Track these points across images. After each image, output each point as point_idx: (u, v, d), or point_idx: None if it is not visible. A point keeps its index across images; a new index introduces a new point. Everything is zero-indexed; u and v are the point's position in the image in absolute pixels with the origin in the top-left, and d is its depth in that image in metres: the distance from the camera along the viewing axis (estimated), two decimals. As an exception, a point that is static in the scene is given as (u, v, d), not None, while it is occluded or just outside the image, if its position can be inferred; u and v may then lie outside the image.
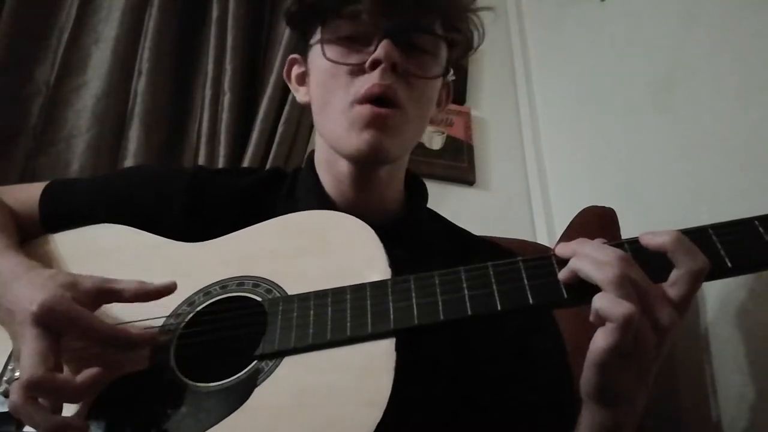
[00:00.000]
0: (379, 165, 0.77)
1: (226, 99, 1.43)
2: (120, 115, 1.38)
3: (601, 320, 0.52)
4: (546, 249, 1.36)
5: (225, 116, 1.41)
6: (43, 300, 0.57)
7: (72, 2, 1.42)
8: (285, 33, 1.51)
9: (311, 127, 1.53)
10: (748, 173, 1.07)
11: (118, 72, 1.39)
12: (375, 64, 0.72)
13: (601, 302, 0.51)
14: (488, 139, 1.87)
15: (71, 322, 0.58)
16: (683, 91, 1.29)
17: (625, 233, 1.19)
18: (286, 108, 1.45)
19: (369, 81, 0.71)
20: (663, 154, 1.32)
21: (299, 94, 0.85)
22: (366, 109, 0.71)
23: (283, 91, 1.47)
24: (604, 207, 1.27)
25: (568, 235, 1.30)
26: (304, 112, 1.49)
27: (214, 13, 1.50)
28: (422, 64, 0.76)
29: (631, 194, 1.40)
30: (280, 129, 1.44)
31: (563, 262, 0.57)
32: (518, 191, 1.82)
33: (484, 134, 1.87)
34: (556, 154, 1.80)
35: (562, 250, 0.57)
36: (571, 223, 1.31)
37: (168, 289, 0.64)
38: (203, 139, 1.40)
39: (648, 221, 1.31)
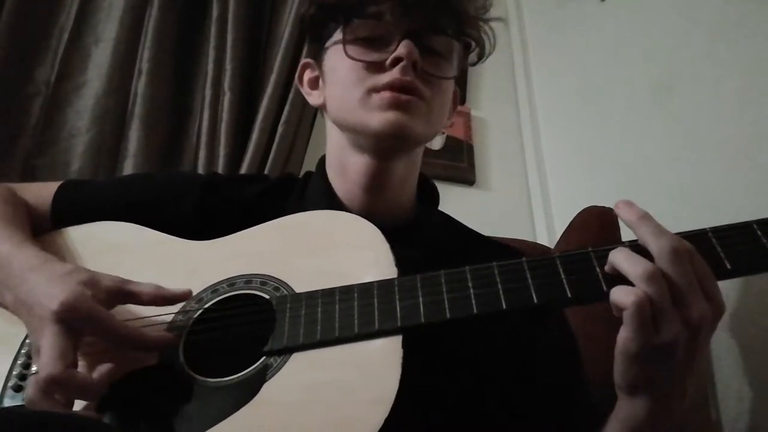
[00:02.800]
0: (402, 146, 0.79)
1: (226, 99, 1.42)
2: (120, 115, 1.38)
3: (620, 312, 0.53)
4: (546, 249, 1.36)
5: (225, 116, 1.41)
6: (65, 298, 0.57)
7: (72, 2, 1.42)
8: (285, 33, 1.51)
9: (311, 127, 1.53)
10: (748, 173, 1.07)
11: (118, 72, 1.39)
12: (396, 62, 0.74)
13: (614, 294, 0.53)
14: (488, 139, 1.87)
15: (92, 322, 0.59)
16: (683, 91, 1.29)
17: (625, 233, 1.19)
18: (286, 108, 1.45)
19: (390, 75, 0.74)
20: (663, 154, 1.32)
21: (312, 97, 0.86)
22: (386, 94, 0.74)
23: (283, 91, 1.47)
24: (604, 207, 1.27)
25: (568, 235, 1.30)
26: (304, 111, 1.49)
27: (215, 13, 1.49)
28: (438, 65, 0.79)
29: (631, 194, 1.39)
30: (280, 129, 1.44)
31: (566, 262, 0.58)
32: (518, 191, 1.82)
33: (484, 134, 1.87)
34: (556, 154, 1.80)
35: (624, 210, 0.58)
36: (571, 223, 1.31)
37: (184, 296, 0.65)
38: (203, 139, 1.40)
39: (648, 221, 1.31)
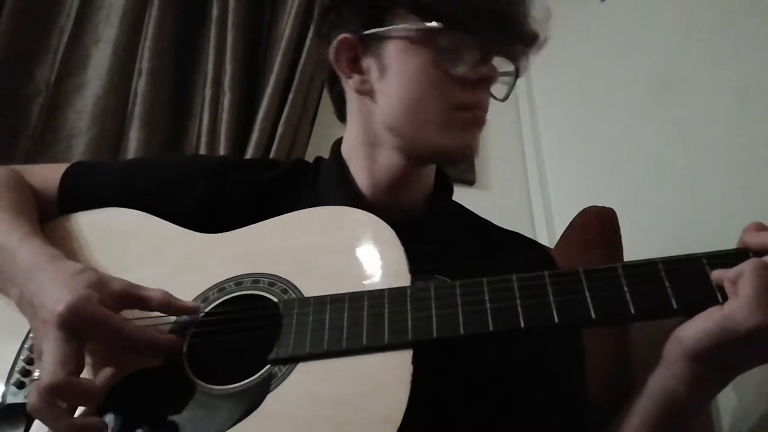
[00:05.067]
0: (460, 163, 0.80)
1: (226, 99, 1.42)
2: (120, 115, 1.37)
3: (731, 286, 0.52)
4: (546, 249, 1.36)
5: (225, 116, 1.41)
6: (71, 301, 0.56)
7: (72, 2, 1.42)
8: (285, 33, 1.51)
9: (311, 127, 1.53)
10: (748, 173, 1.07)
11: (118, 72, 1.39)
12: (482, 82, 0.75)
13: (718, 272, 0.52)
14: (488, 139, 1.87)
15: (97, 326, 0.57)
16: (683, 91, 1.29)
17: (625, 233, 1.19)
18: (286, 108, 1.45)
19: (474, 95, 0.75)
20: (663, 154, 1.32)
21: (352, 80, 0.78)
22: (471, 114, 0.75)
23: (283, 91, 1.47)
24: (604, 207, 1.27)
25: (568, 235, 1.30)
26: (304, 111, 1.49)
27: (214, 13, 1.49)
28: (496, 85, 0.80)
29: (631, 194, 1.40)
30: (280, 129, 1.43)
31: (592, 278, 0.55)
32: (518, 191, 1.82)
33: (484, 134, 1.86)
34: (556, 154, 1.80)
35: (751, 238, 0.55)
36: (571, 223, 1.31)
37: (191, 311, 0.63)
38: (203, 139, 1.40)
39: (648, 221, 1.31)
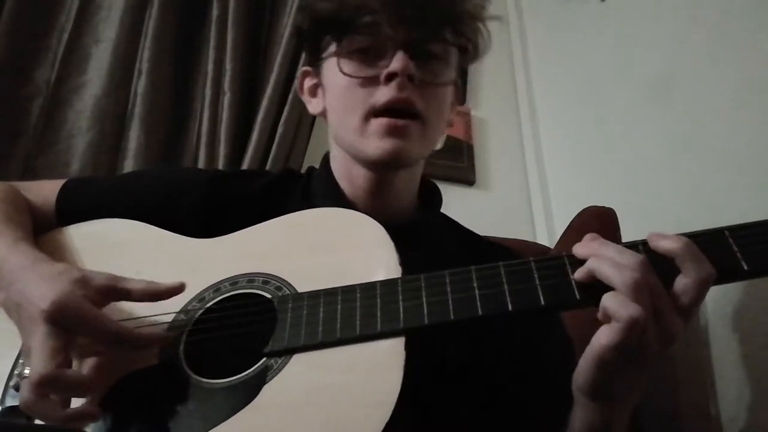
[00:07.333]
0: (398, 169, 0.79)
1: (226, 99, 1.43)
2: (120, 115, 1.38)
3: (608, 318, 0.52)
4: (546, 249, 1.36)
5: (225, 116, 1.41)
6: (55, 298, 0.57)
7: (72, 2, 1.42)
8: (285, 33, 1.51)
9: (311, 126, 1.53)
10: (747, 173, 1.07)
11: (118, 72, 1.39)
12: (391, 77, 0.72)
13: (610, 301, 0.52)
14: (488, 139, 1.87)
15: (82, 321, 0.58)
16: (683, 90, 1.29)
17: (625, 233, 1.19)
18: (286, 108, 1.45)
19: (386, 94, 0.73)
20: (663, 154, 1.32)
21: (311, 105, 0.86)
22: (384, 121, 0.73)
23: (283, 91, 1.47)
24: (604, 207, 1.27)
25: (568, 235, 1.30)
26: (304, 111, 1.49)
27: (214, 13, 1.50)
28: (436, 71, 0.77)
29: (631, 194, 1.40)
30: (280, 129, 1.44)
31: (576, 263, 0.56)
32: (518, 191, 1.82)
33: (484, 134, 1.87)
34: (556, 154, 1.80)
35: (580, 250, 0.57)
36: (571, 223, 1.31)
37: (177, 290, 0.64)
38: (203, 139, 1.40)
39: (648, 221, 1.31)
